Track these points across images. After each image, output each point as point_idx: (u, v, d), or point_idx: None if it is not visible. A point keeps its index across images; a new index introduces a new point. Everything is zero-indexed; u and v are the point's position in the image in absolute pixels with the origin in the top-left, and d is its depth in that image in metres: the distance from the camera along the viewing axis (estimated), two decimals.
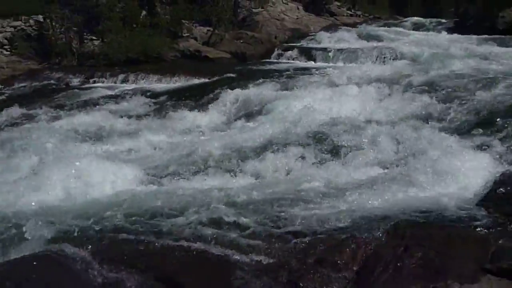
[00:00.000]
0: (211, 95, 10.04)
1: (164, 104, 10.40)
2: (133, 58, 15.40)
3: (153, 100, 10.82)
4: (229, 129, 8.05)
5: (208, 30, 19.49)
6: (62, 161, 6.07)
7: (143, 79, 13.74)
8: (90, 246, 3.90)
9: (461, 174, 5.19)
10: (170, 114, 9.25)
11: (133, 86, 13.26)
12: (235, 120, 8.75)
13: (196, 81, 13.27)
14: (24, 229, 4.19)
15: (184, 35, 19.06)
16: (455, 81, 9.38)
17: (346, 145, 6.47)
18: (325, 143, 6.54)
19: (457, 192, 4.87)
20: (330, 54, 15.93)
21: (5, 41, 16.46)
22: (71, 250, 3.81)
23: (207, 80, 13.01)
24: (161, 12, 19.34)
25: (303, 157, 6.20)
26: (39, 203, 5.08)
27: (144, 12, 18.87)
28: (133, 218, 4.52)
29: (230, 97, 9.63)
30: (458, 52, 13.83)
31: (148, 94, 11.52)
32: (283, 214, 4.45)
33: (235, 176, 5.89)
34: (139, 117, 9.51)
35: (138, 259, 3.72)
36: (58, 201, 5.27)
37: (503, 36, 17.10)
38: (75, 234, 4.23)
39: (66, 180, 5.61)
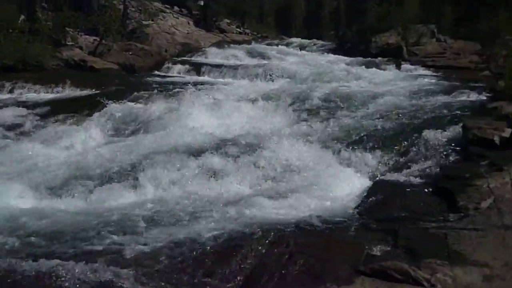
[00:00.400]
0: (95, 107, 9.65)
1: (43, 115, 9.77)
2: (9, 66, 14.21)
3: (31, 111, 10.09)
4: (113, 143, 7.80)
5: (94, 40, 18.73)
6: None
7: (20, 88, 12.75)
8: None
9: (338, 185, 5.67)
10: (49, 127, 8.70)
11: (8, 95, 12.25)
12: (120, 133, 8.54)
13: (80, 92, 12.66)
14: None
15: (68, 43, 18.09)
16: (334, 99, 10.16)
17: (231, 159, 6.64)
18: (210, 158, 6.63)
19: (335, 202, 5.31)
20: (220, 69, 16.25)
21: None
22: None
23: (92, 91, 12.48)
24: (43, 18, 18.16)
25: (186, 173, 6.23)
26: None
27: (22, 17, 17.56)
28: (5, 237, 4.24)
29: (116, 110, 9.36)
30: (337, 72, 14.97)
31: (26, 104, 10.75)
32: (167, 229, 4.45)
33: (115, 192, 5.73)
34: (13, 129, 8.81)
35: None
36: None
37: (375, 59, 18.93)
38: None
39: None
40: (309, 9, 50.78)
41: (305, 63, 17.43)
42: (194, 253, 3.96)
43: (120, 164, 6.41)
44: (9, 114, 9.72)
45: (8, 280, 3.47)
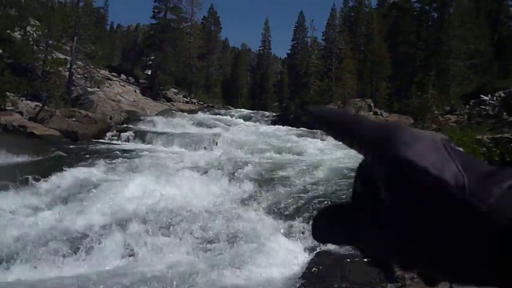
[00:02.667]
0: (32, 175, 9.30)
1: None
2: None
3: None
4: (50, 214, 7.48)
5: (36, 105, 18.41)
6: None
7: None
8: None
9: (283, 254, 5.73)
10: None
11: None
12: (59, 203, 8.22)
13: (17, 159, 12.17)
14: None
15: (8, 108, 17.63)
16: (277, 168, 10.44)
17: (176, 227, 6.58)
18: (155, 227, 6.54)
19: (282, 270, 5.34)
20: (165, 138, 16.32)
21: None
22: None
23: (31, 158, 12.05)
24: None
25: (128, 244, 6.09)
26: None
27: None
28: None
29: (54, 178, 9.06)
30: (281, 142, 15.48)
31: None
32: None
33: (65, 261, 5.48)
34: None
35: None
36: None
37: (317, 130, 19.78)
38: None
39: None
40: (254, 81, 52.99)
41: (250, 132, 17.92)
42: None
43: (55, 236, 6.14)
44: None
45: None
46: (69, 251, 5.76)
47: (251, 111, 28.89)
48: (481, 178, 0.40)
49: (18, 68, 19.46)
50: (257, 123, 23.78)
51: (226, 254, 5.93)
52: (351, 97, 25.91)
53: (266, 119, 26.17)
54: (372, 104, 25.62)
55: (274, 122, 24.68)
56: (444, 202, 0.40)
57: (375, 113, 24.73)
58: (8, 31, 18.95)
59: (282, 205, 7.95)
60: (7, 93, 17.90)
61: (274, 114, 28.64)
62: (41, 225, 6.50)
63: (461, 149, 0.46)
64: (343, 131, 0.49)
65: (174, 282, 4.84)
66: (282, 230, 6.74)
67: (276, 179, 9.59)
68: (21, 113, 17.78)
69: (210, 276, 5.05)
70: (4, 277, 5.16)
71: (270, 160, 11.55)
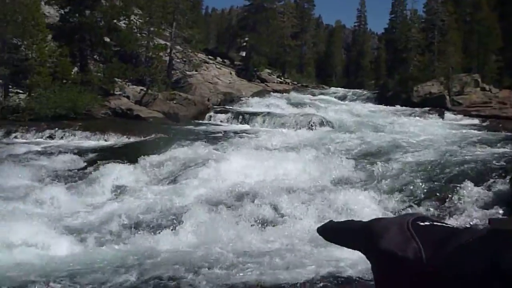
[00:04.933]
0: (141, 154, 9.91)
1: (92, 161, 10.10)
2: (61, 114, 15.00)
3: (80, 157, 10.48)
4: (160, 188, 7.94)
5: (141, 90, 19.58)
6: None
7: (71, 136, 13.36)
8: None
9: None
10: (97, 172, 8.96)
11: (60, 142, 12.82)
12: (166, 179, 8.68)
13: (126, 139, 13.10)
14: None
15: (116, 93, 18.98)
16: (375, 149, 10.07)
17: (272, 207, 6.61)
18: (251, 207, 6.62)
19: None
20: (261, 118, 16.51)
21: None
22: None
23: (138, 139, 12.90)
24: (94, 70, 19.24)
25: (237, 219, 6.24)
26: None
27: (76, 69, 18.67)
28: (54, 279, 4.33)
29: (161, 156, 9.58)
30: (379, 121, 14.91)
31: (76, 151, 11.16)
32: (218, 272, 4.44)
33: (164, 236, 5.79)
34: (63, 174, 9.15)
35: None
36: None
37: (417, 108, 18.75)
38: None
39: None
40: (350, 58, 51.53)
41: (346, 112, 17.49)
42: None
43: (161, 210, 6.49)
44: (60, 160, 10.12)
45: None
46: (177, 223, 6.06)
47: (346, 90, 28.17)
48: (435, 246, 0.54)
49: (124, 55, 20.81)
50: (353, 102, 23.14)
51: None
52: (455, 72, 24.08)
53: (362, 97, 25.35)
54: (479, 79, 23.60)
55: (370, 101, 23.85)
56: (411, 272, 0.54)
57: (483, 89, 22.76)
58: (115, 20, 20.25)
59: (382, 184, 7.66)
60: (116, 79, 19.26)
61: (370, 92, 27.65)
62: (150, 198, 6.88)
63: (426, 222, 0.59)
64: (343, 243, 0.69)
65: (277, 261, 4.85)
66: (381, 210, 6.50)
67: (374, 158, 9.25)
68: (128, 97, 19.06)
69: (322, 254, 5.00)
70: (130, 241, 5.55)
71: (368, 140, 11.17)
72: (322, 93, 26.17)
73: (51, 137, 13.35)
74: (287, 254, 5.03)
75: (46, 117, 14.76)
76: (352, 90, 28.25)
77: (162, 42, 22.35)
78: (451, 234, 0.55)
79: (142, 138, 12.85)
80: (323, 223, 0.74)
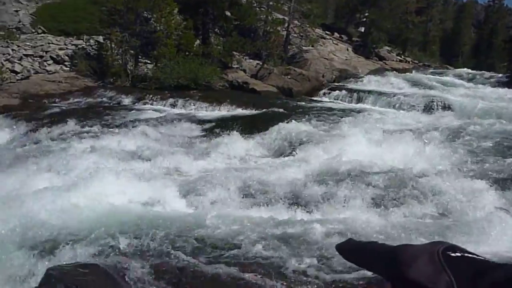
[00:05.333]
0: (255, 127, 10.16)
1: (209, 131, 10.61)
2: (183, 84, 15.89)
3: (199, 126, 11.06)
4: (272, 161, 8.06)
5: (257, 64, 19.94)
6: (104, 177, 6.29)
7: (191, 105, 14.10)
8: (132, 260, 4.02)
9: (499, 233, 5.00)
10: (215, 141, 9.39)
11: (181, 111, 13.62)
12: (278, 153, 8.79)
13: (241, 111, 13.49)
14: (74, 239, 4.38)
15: (233, 66, 19.56)
16: (503, 140, 9.11)
17: (388, 192, 6.36)
18: (365, 187, 6.43)
19: (505, 251, 4.69)
20: (377, 97, 15.87)
21: (66, 57, 17.40)
22: (115, 262, 3.96)
23: (252, 111, 13.20)
24: (214, 43, 19.98)
25: (346, 197, 6.13)
26: (80, 216, 5.27)
27: (198, 41, 19.55)
28: (175, 239, 4.63)
29: (275, 130, 9.70)
30: (507, 109, 13.46)
31: (195, 119, 11.79)
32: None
33: (286, 208, 5.86)
34: (184, 141, 9.73)
35: (176, 277, 3.82)
36: (100, 215, 5.44)
37: None
38: (119, 248, 4.37)
39: (110, 195, 5.82)
40: (480, 37, 47.03)
41: (472, 96, 16.08)
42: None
43: (280, 183, 6.57)
44: (182, 127, 10.78)
45: (175, 274, 3.81)
46: (290, 199, 6.11)
47: (474, 72, 25.81)
48: (468, 282, 0.51)
49: (243, 29, 21.27)
50: (481, 85, 21.15)
51: (442, 222, 5.49)
52: None
53: (493, 80, 23.04)
54: None
55: (503, 85, 21.59)
56: None
57: None
58: None
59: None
60: (234, 52, 19.83)
61: (502, 75, 25.03)
62: (266, 170, 7.00)
63: (457, 253, 0.56)
64: (364, 264, 0.65)
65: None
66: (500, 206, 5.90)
67: (501, 152, 8.37)
68: (244, 71, 19.55)
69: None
70: (245, 214, 5.75)
71: (495, 127, 10.13)
72: (446, 74, 24.32)
73: (173, 105, 14.25)
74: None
75: (169, 86, 15.75)
76: (481, 71, 25.79)
77: (280, 16, 22.39)
78: (484, 269, 0.53)
79: (256, 111, 13.13)
80: (342, 241, 0.71)
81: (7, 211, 5.26)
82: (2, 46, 16.72)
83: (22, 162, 7.86)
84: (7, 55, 16.56)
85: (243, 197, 6.15)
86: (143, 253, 4.39)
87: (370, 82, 19.48)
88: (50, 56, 17.23)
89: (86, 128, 10.58)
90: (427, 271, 0.54)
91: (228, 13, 21.34)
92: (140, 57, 17.97)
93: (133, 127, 10.71)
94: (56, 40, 18.33)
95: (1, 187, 6.15)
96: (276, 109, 13.09)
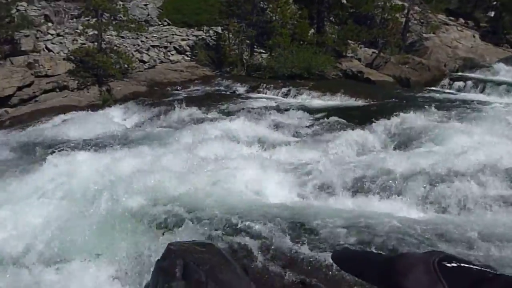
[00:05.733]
0: (370, 117, 9.84)
1: (322, 120, 10.53)
2: (296, 74, 15.96)
3: (311, 116, 11.04)
4: (392, 153, 7.72)
5: (373, 52, 19.27)
6: (222, 162, 6.58)
7: (303, 95, 14.12)
8: (246, 243, 4.18)
9: None
10: (328, 131, 9.32)
11: (293, 100, 13.72)
12: (395, 145, 8.43)
13: (355, 102, 13.19)
14: (193, 218, 4.68)
15: (348, 55, 19.15)
16: None
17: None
18: (496, 183, 5.91)
19: None
20: (505, 88, 14.42)
21: (188, 48, 18.46)
22: (229, 243, 4.15)
23: (366, 102, 12.84)
24: (329, 31, 19.70)
25: (472, 192, 5.69)
26: (200, 197, 5.59)
27: (312, 30, 19.44)
28: (283, 226, 4.70)
29: (392, 121, 9.30)
30: None
31: (307, 109, 11.79)
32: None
33: (407, 201, 5.65)
34: (296, 130, 9.79)
35: (286, 261, 3.88)
36: (217, 198, 5.71)
37: None
38: (232, 230, 4.57)
39: (225, 181, 6.08)
40: None
41: None
42: None
43: (398, 175, 6.31)
44: (294, 116, 10.86)
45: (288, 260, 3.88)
46: (408, 193, 5.85)
47: None
48: None
49: (359, 17, 20.67)
50: None
51: None
52: None
53: None
54: None
55: None
56: None
57: None
58: None
59: None
60: (349, 41, 19.39)
61: None
62: (382, 163, 6.76)
63: (453, 263, 0.55)
64: (359, 274, 0.62)
65: None
66: None
67: None
68: (359, 60, 19.02)
69: None
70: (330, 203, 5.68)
71: None
72: None
73: (286, 94, 14.40)
74: None
75: (282, 75, 15.92)
76: None
77: (399, 2, 21.33)
78: (481, 279, 0.51)
79: (370, 102, 12.74)
80: (338, 250, 0.70)
81: (135, 186, 5.76)
82: (132, 38, 18.26)
83: (149, 143, 8.54)
84: (137, 46, 18.05)
85: (357, 190, 6.03)
86: (253, 237, 4.53)
87: (501, 72, 17.73)
88: (174, 47, 18.42)
89: (205, 115, 11.17)
90: (423, 282, 0.53)
91: (343, 1, 20.88)
92: (255, 46, 18.41)
93: (247, 115, 11.03)
94: (179, 31, 19.51)
95: (132, 164, 6.75)
96: (392, 100, 12.57)
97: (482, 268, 0.55)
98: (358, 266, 0.65)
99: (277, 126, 10.00)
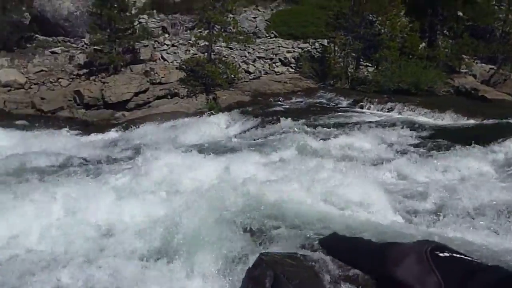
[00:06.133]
0: (485, 139, 9.08)
1: (429, 139, 9.96)
2: (403, 88, 15.34)
3: (418, 134, 10.50)
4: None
5: (490, 69, 17.88)
6: (324, 175, 6.49)
7: (409, 111, 13.50)
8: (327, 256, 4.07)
9: None
10: (435, 151, 8.78)
11: (398, 116, 13.17)
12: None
13: (466, 121, 12.28)
14: (284, 228, 4.69)
15: (462, 70, 17.97)
16: None
17: None
18: None
19: None
20: None
21: (292, 60, 18.67)
22: (317, 258, 4.07)
23: (481, 121, 11.89)
24: (442, 45, 18.68)
25: None
26: (295, 208, 5.56)
27: (423, 44, 18.58)
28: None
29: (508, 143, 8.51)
30: None
31: (414, 126, 11.22)
32: None
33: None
34: (402, 148, 9.37)
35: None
36: (314, 210, 5.64)
37: None
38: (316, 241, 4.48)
39: (326, 193, 5.99)
40: None
41: None
42: None
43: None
44: (399, 134, 10.41)
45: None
46: None
47: None
48: (456, 283, 0.48)
49: (476, 30, 19.34)
50: None
51: None
52: None
53: None
54: None
55: None
56: None
57: None
58: None
59: None
60: (463, 55, 18.20)
61: None
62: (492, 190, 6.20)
63: (446, 253, 0.52)
64: (349, 261, 0.62)
65: None
66: None
67: None
68: (474, 76, 17.76)
69: None
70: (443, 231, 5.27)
71: None
72: None
73: (390, 109, 13.87)
74: None
75: (388, 90, 15.38)
76: None
77: None
78: (474, 270, 0.49)
79: (486, 122, 11.77)
80: (326, 236, 0.60)
81: (239, 191, 5.90)
82: (240, 49, 18.93)
83: (248, 152, 8.73)
84: (244, 57, 18.67)
85: (473, 218, 5.56)
86: None
87: None
88: (279, 59, 18.73)
89: (306, 127, 11.14)
90: (415, 271, 0.51)
91: (460, 13, 19.68)
92: (361, 60, 18.06)
93: (349, 129, 10.82)
94: (285, 43, 19.82)
95: (235, 170, 6.96)
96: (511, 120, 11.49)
97: (474, 259, 0.52)
98: (349, 254, 0.62)
99: (380, 142, 9.66)
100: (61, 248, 5.19)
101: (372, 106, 14.30)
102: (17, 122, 13.70)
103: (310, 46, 19.54)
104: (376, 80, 16.06)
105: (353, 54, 17.74)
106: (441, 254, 0.55)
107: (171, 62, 17.63)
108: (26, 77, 16.32)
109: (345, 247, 0.65)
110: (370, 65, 17.93)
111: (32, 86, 16.07)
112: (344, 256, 0.65)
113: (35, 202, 5.90)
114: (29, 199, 5.94)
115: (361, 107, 14.30)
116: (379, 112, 13.72)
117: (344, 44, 17.26)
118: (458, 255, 0.55)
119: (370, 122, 11.88)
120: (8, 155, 9.27)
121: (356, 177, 6.69)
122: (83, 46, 18.84)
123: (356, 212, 5.62)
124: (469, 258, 0.54)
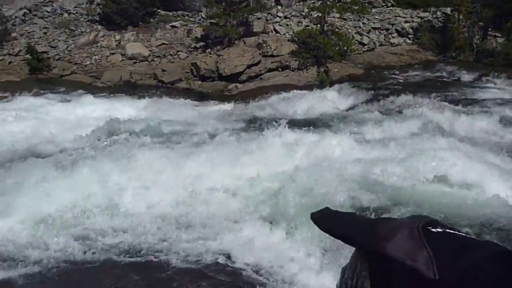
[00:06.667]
0: None
1: None
2: None
3: None
4: None
5: None
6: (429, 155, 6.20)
7: None
8: None
9: None
10: None
11: None
12: None
13: None
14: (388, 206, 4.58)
15: None
16: None
17: None
18: None
19: None
20: None
21: (410, 30, 17.61)
22: None
23: None
24: None
25: None
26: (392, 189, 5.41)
27: None
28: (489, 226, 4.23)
29: None
30: None
31: None
32: None
33: None
34: None
35: None
36: (427, 188, 5.43)
37: None
38: None
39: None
40: None
41: None
42: None
43: None
44: None
45: None
46: None
47: None
48: (448, 259, 0.48)
49: None
50: None
51: None
52: None
53: None
54: None
55: None
56: (418, 283, 0.48)
57: None
58: None
59: None
60: None
61: None
62: None
63: (439, 228, 0.52)
64: (339, 236, 0.59)
65: None
66: None
67: None
68: None
69: None
70: None
71: None
72: None
73: None
74: None
75: None
76: None
77: None
78: (466, 245, 0.50)
79: None
80: (318, 210, 0.66)
81: (348, 171, 5.87)
82: (354, 20, 18.30)
83: (363, 128, 8.55)
84: (358, 28, 18.02)
85: None
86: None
87: None
88: (395, 29, 17.78)
89: (423, 102, 10.52)
90: (406, 247, 0.51)
91: None
92: (489, 29, 16.43)
93: (472, 106, 10.04)
94: (403, 13, 18.71)
95: (345, 146, 6.91)
96: None
97: (467, 235, 0.52)
98: (339, 228, 0.62)
99: (507, 123, 8.81)
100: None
101: (499, 80, 13.02)
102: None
103: (430, 15, 18.20)
104: (506, 52, 14.53)
105: (480, 24, 16.18)
106: (433, 230, 0.53)
107: (283, 34, 17.66)
108: (150, 50, 17.51)
109: (337, 222, 0.64)
110: (499, 35, 16.24)
111: (154, 59, 17.22)
112: (335, 231, 0.63)
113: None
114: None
115: (487, 82, 13.09)
116: (509, 88, 12.46)
117: (470, 12, 15.81)
118: (451, 231, 0.54)
119: (496, 99, 10.88)
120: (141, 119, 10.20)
121: (474, 159, 6.29)
122: (200, 19, 19.63)
123: (470, 193, 5.34)
124: (463, 234, 0.53)
